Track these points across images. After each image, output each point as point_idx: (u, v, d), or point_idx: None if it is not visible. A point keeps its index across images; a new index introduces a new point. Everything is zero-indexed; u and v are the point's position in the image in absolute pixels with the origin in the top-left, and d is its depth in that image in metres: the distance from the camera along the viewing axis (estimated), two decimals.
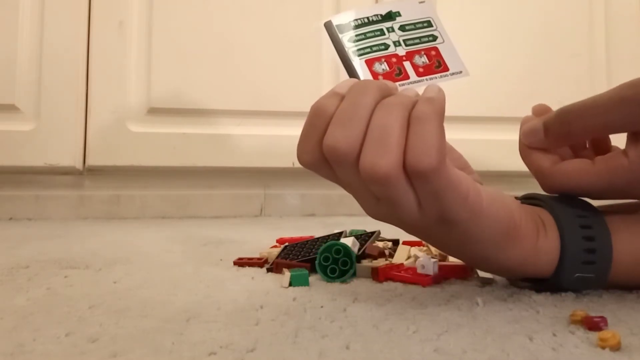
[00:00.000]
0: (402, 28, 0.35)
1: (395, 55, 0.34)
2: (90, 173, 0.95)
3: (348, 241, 0.41)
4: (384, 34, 0.34)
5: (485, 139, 1.00)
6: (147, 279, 0.40)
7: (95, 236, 0.69)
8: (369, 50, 0.34)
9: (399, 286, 0.38)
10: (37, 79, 0.91)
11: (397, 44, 0.34)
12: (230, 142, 0.96)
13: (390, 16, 0.35)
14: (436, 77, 0.34)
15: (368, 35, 0.34)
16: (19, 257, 0.50)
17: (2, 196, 0.92)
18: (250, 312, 0.31)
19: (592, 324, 0.27)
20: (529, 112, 0.37)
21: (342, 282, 0.39)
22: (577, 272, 0.33)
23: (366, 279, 0.40)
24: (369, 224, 0.62)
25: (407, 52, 0.34)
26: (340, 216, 0.97)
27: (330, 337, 0.26)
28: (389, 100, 0.29)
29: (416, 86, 0.32)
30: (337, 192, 1.00)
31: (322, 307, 0.32)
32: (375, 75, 0.33)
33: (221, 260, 0.49)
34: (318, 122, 0.29)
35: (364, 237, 0.47)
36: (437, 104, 0.28)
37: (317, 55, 1.00)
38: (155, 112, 0.95)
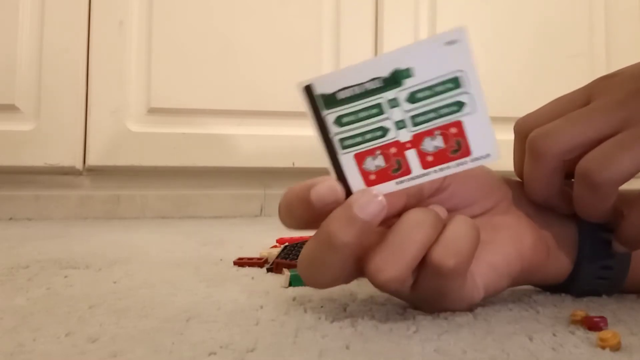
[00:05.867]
0: (412, 98, 0.24)
1: (396, 144, 0.25)
2: (90, 173, 0.95)
3: None
4: (383, 113, 0.24)
5: None
6: (147, 279, 0.40)
7: (95, 236, 0.69)
8: (359, 140, 0.25)
9: None
10: (37, 79, 0.91)
11: (400, 125, 0.25)
12: (230, 142, 0.96)
13: (395, 79, 0.24)
14: (450, 167, 0.25)
15: (360, 115, 0.24)
16: (19, 257, 0.50)
17: (2, 196, 0.92)
18: (250, 312, 0.31)
19: (592, 324, 0.27)
20: (529, 112, 0.35)
21: None
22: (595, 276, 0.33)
23: (366, 279, 0.40)
24: None
25: (414, 136, 0.25)
26: None
27: (330, 337, 0.26)
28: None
29: (419, 181, 0.26)
30: None
31: (322, 307, 0.32)
32: (366, 174, 0.26)
33: (221, 260, 0.49)
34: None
35: None
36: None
37: (317, 55, 1.00)
38: (155, 112, 0.95)
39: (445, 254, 0.25)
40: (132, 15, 0.94)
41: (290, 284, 0.38)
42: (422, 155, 0.25)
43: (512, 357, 0.23)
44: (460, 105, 0.24)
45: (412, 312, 0.30)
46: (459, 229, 0.26)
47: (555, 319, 0.29)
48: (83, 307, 0.32)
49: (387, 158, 0.25)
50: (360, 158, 0.25)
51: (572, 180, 0.30)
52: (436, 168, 0.25)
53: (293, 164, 0.96)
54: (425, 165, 0.25)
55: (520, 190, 0.33)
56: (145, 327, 0.28)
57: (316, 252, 0.26)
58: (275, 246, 0.53)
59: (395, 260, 0.25)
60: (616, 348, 0.24)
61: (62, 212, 0.94)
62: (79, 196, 0.95)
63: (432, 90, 0.24)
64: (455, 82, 0.24)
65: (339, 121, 0.25)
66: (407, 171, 0.25)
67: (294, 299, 0.34)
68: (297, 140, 0.96)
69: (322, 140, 0.25)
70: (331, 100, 0.24)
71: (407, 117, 0.25)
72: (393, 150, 0.25)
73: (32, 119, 0.91)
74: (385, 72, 0.24)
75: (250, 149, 0.97)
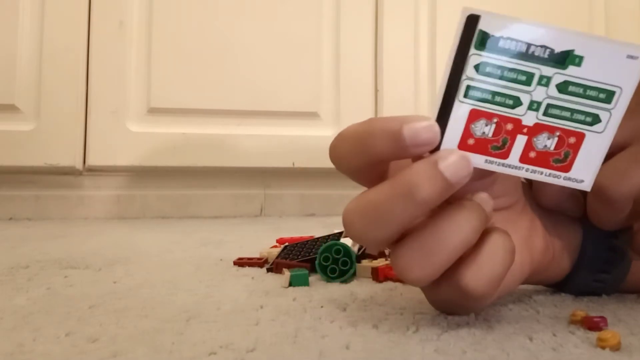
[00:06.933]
0: (563, 87, 0.22)
1: (516, 122, 0.23)
2: (90, 173, 0.95)
3: (348, 241, 0.41)
4: (529, 84, 0.22)
5: None
6: (147, 279, 0.40)
7: (95, 236, 0.69)
8: (487, 97, 0.22)
9: (398, 286, 0.38)
10: (37, 79, 0.91)
11: (533, 106, 0.23)
12: (230, 142, 0.96)
13: (563, 59, 0.22)
14: (542, 173, 0.24)
15: (506, 75, 0.22)
16: (19, 257, 0.50)
17: (2, 196, 0.92)
18: (250, 312, 0.31)
19: (592, 324, 0.27)
20: None
21: (342, 282, 0.39)
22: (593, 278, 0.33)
23: (366, 279, 0.40)
24: None
25: (536, 124, 0.23)
26: (340, 216, 0.97)
27: (330, 337, 0.26)
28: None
29: (506, 171, 0.24)
30: (337, 192, 1.00)
31: (322, 307, 0.32)
32: (467, 135, 0.23)
33: (221, 260, 0.49)
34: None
35: None
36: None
37: (317, 55, 1.00)
38: (155, 112, 0.95)
39: (478, 280, 0.24)
40: (132, 15, 0.94)
41: (290, 284, 0.38)
42: (528, 147, 0.23)
43: (512, 357, 0.23)
44: (596, 119, 0.23)
45: (412, 312, 0.30)
46: (496, 251, 0.24)
47: (555, 319, 0.29)
48: (83, 307, 0.32)
49: (497, 131, 0.23)
50: (474, 115, 0.23)
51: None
52: (530, 167, 0.23)
53: (293, 164, 0.96)
54: (524, 159, 0.23)
55: (530, 191, 0.33)
56: (145, 327, 0.28)
57: (388, 201, 0.23)
58: (275, 246, 0.53)
59: (426, 262, 0.24)
60: (616, 348, 0.24)
61: (62, 212, 0.94)
62: (79, 196, 0.95)
63: (584, 91, 0.22)
64: (609, 96, 0.22)
65: (480, 67, 0.22)
66: (505, 155, 0.23)
67: (294, 299, 0.34)
68: (297, 140, 0.96)
69: (447, 76, 0.22)
70: (489, 42, 0.22)
71: (545, 102, 0.23)
72: (509, 126, 0.23)
73: (32, 119, 0.91)
74: (559, 47, 0.22)
75: (250, 149, 0.97)
